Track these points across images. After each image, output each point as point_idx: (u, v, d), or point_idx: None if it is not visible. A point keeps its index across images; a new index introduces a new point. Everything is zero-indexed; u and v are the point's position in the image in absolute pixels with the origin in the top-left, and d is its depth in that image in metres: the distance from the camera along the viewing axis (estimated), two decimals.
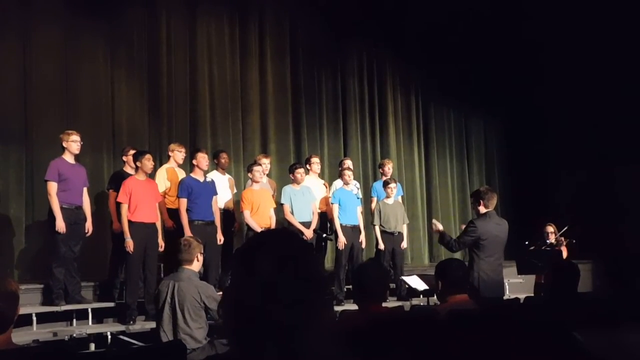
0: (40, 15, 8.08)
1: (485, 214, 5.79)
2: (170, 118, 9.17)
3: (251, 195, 7.66)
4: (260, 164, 7.95)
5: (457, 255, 6.66)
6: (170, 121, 9.16)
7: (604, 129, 11.19)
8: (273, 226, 7.68)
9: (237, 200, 8.01)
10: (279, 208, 8.02)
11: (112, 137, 8.61)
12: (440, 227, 6.09)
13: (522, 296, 7.49)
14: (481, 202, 5.80)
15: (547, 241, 8.43)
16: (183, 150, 7.75)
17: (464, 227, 6.24)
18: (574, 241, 8.33)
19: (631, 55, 10.88)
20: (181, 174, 7.61)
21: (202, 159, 7.32)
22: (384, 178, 8.82)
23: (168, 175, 7.55)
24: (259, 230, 7.35)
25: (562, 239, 8.37)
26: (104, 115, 8.57)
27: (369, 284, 3.49)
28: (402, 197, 9.33)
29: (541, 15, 11.67)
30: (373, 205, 8.84)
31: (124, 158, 7.57)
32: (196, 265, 5.03)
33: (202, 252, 5.16)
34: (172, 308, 4.89)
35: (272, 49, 10.36)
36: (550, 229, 8.54)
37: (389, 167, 9.04)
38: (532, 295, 7.66)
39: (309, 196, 8.04)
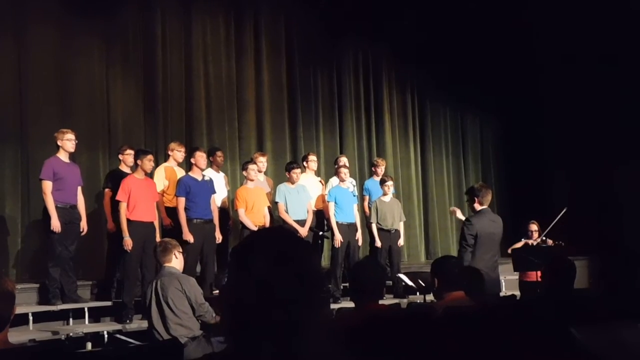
0: (35, 14, 8.05)
1: (480, 211, 5.80)
2: (165, 116, 9.14)
3: (246, 193, 7.65)
4: (255, 163, 7.95)
5: (454, 252, 6.68)
6: (166, 119, 9.14)
7: (601, 126, 11.21)
8: (267, 225, 7.68)
9: (233, 199, 8.01)
10: (274, 206, 8.02)
11: (108, 136, 8.58)
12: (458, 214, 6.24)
13: (518, 293, 7.51)
14: (476, 199, 5.82)
15: (531, 240, 8.33)
16: (183, 149, 7.75)
17: (455, 211, 6.31)
18: (562, 243, 8.19)
19: (630, 52, 10.90)
20: (180, 173, 7.61)
21: (201, 157, 7.32)
22: (376, 178, 8.86)
23: (167, 174, 7.55)
24: (253, 228, 7.36)
25: (550, 241, 8.28)
26: (99, 113, 8.54)
27: (365, 282, 3.50)
28: (394, 194, 9.33)
29: (538, 12, 11.67)
30: (365, 203, 8.87)
31: (120, 157, 7.56)
32: (176, 262, 5.27)
33: (181, 250, 5.40)
34: (158, 303, 5.04)
35: (267, 46, 10.34)
36: (534, 227, 8.43)
37: (382, 168, 9.08)
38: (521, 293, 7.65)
39: (303, 194, 8.03)
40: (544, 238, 8.22)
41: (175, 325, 4.98)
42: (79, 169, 6.94)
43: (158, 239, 6.90)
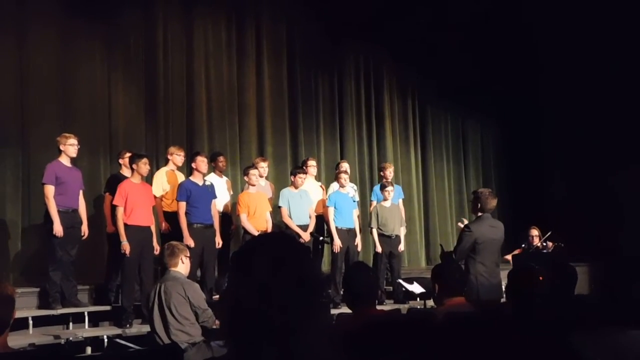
0: (37, 18, 8.06)
1: (480, 217, 5.78)
2: (167, 121, 9.16)
3: (248, 198, 7.65)
4: (257, 168, 7.95)
5: None
6: (167, 124, 9.16)
7: (601, 131, 11.21)
8: (269, 230, 7.68)
9: (234, 203, 8.01)
10: (276, 211, 8.01)
11: (109, 140, 8.60)
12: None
13: None
14: (478, 205, 5.80)
15: (532, 244, 8.37)
16: (182, 153, 7.73)
17: (460, 225, 6.22)
18: (562, 245, 8.25)
19: (629, 58, 10.90)
20: (180, 177, 7.60)
21: (202, 162, 7.32)
22: (385, 181, 8.83)
23: (167, 178, 7.55)
24: (255, 233, 7.36)
25: (550, 243, 8.31)
26: (100, 118, 8.55)
27: (357, 287, 3.49)
28: (403, 199, 9.33)
29: (538, 18, 11.69)
30: (372, 208, 8.85)
31: (120, 161, 7.57)
32: (182, 267, 5.25)
33: (188, 255, 5.37)
34: (161, 308, 5.02)
35: (268, 51, 10.36)
36: (535, 232, 8.48)
37: (390, 171, 9.04)
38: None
39: (306, 199, 8.04)
40: (544, 244, 8.25)
41: (177, 331, 4.97)
42: (80, 173, 6.93)
43: (155, 243, 6.91)
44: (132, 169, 6.94)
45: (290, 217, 7.89)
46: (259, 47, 10.29)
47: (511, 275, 3.98)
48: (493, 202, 5.76)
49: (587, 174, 11.25)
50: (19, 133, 7.90)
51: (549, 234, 8.22)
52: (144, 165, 6.88)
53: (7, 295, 2.70)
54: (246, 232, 7.59)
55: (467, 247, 5.66)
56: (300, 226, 7.86)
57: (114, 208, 6.88)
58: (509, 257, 8.30)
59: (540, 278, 4.04)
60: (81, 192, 6.84)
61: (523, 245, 8.51)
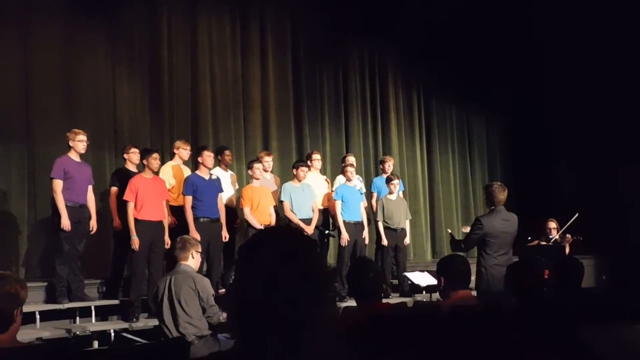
0: (41, 14, 8.07)
1: (492, 210, 5.78)
2: (171, 115, 9.16)
3: (251, 192, 7.66)
4: (261, 162, 7.95)
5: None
6: (172, 118, 9.15)
7: (606, 124, 11.18)
8: (273, 224, 7.68)
9: (239, 197, 8.02)
10: (280, 205, 8.02)
11: (114, 135, 8.60)
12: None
13: None
14: (489, 198, 5.80)
15: (550, 237, 8.38)
16: (188, 147, 7.75)
17: (467, 229, 6.27)
18: (581, 238, 8.23)
19: (635, 51, 10.85)
20: (186, 172, 7.62)
21: (208, 157, 7.33)
22: (384, 175, 8.83)
23: (173, 173, 7.56)
24: (258, 227, 7.37)
25: (569, 236, 8.30)
26: (105, 113, 8.55)
27: (361, 283, 3.49)
28: (404, 192, 9.33)
29: (543, 11, 11.64)
30: (373, 200, 8.85)
31: (125, 156, 7.57)
32: (192, 262, 5.24)
33: (200, 250, 5.36)
34: (170, 300, 5.02)
35: (273, 45, 10.34)
36: (553, 224, 8.48)
37: (390, 165, 9.04)
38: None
39: (309, 193, 8.03)
40: (561, 236, 8.25)
41: (185, 324, 4.97)
42: (90, 168, 6.96)
43: (167, 237, 6.92)
44: (143, 165, 6.98)
45: (292, 211, 7.88)
46: (263, 41, 10.27)
47: (511, 268, 3.99)
48: (503, 195, 5.76)
49: (593, 165, 11.22)
50: (24, 128, 7.91)
51: (569, 223, 8.11)
52: (154, 161, 6.94)
53: (10, 292, 2.70)
54: (249, 225, 7.60)
55: (476, 239, 5.70)
56: (303, 220, 7.86)
57: (120, 202, 6.90)
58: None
59: (546, 272, 4.03)
60: (90, 187, 6.87)
61: (529, 238, 8.49)
